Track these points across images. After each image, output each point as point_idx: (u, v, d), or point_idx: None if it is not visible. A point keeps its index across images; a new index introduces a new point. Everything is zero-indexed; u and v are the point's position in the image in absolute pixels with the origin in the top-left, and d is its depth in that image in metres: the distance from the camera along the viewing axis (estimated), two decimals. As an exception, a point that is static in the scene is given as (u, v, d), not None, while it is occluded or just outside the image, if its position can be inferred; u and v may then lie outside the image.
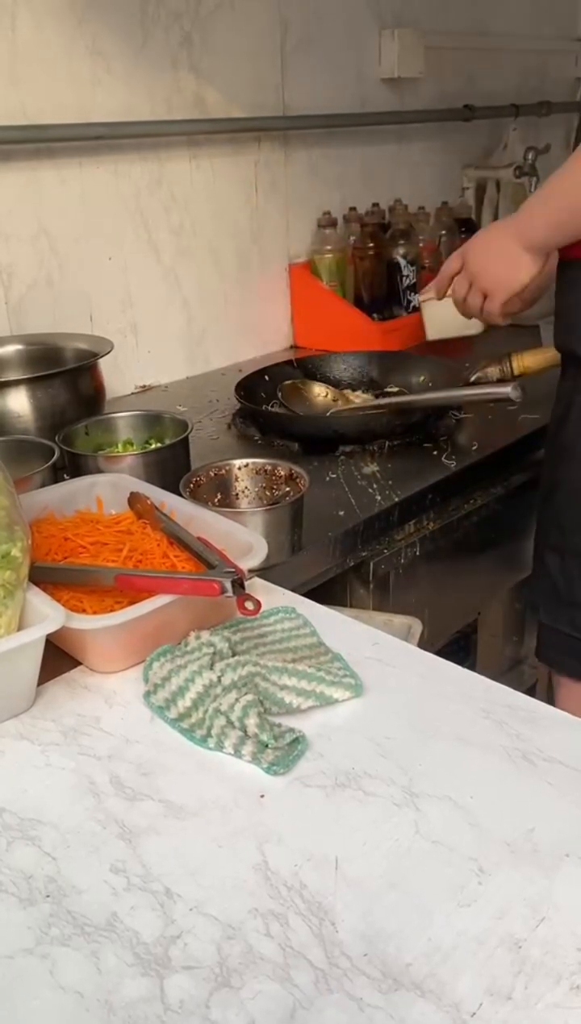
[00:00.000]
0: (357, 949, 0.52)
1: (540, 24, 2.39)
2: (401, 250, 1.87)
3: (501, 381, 1.39)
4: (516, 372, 1.39)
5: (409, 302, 1.87)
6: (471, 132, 2.22)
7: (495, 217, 2.32)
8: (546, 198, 1.06)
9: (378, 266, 1.87)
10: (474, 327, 1.45)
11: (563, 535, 1.18)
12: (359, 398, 1.50)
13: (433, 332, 1.63)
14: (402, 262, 1.87)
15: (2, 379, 1.26)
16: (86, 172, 1.48)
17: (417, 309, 1.73)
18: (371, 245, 1.85)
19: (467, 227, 2.19)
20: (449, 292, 1.24)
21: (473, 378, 1.41)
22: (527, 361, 1.39)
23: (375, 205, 1.93)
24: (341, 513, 1.11)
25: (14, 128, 1.36)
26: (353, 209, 1.90)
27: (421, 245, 1.93)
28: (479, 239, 1.17)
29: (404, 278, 1.87)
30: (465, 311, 1.23)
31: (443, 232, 2.05)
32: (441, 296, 1.27)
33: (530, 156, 2.20)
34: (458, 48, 2.14)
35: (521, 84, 2.38)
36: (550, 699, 1.28)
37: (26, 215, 1.42)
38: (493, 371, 1.40)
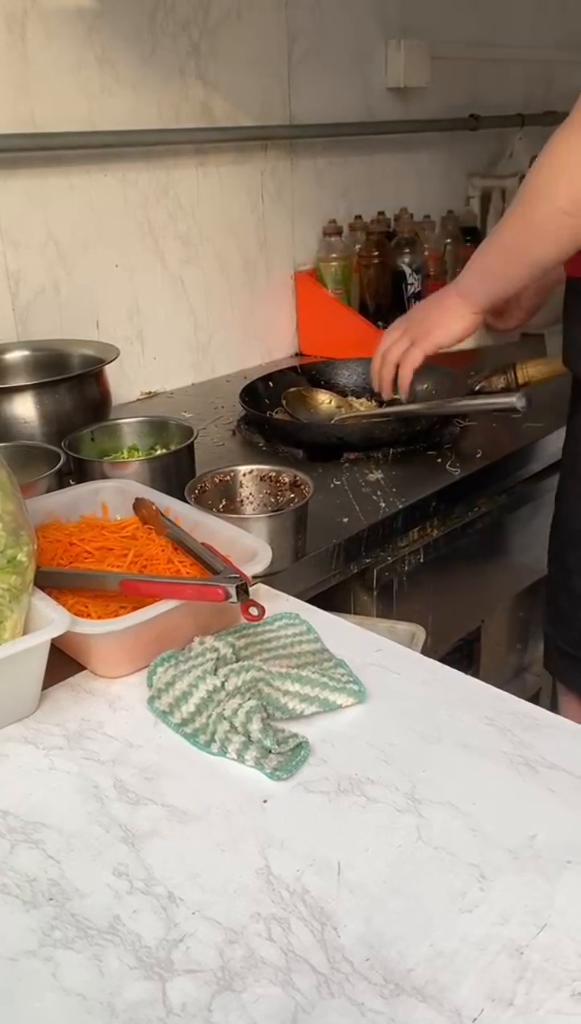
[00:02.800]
0: (359, 954, 0.52)
1: (546, 34, 2.40)
2: (406, 259, 1.87)
3: (506, 391, 1.40)
4: (520, 382, 1.39)
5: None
6: (477, 141, 2.23)
7: (500, 225, 2.32)
8: (481, 250, 1.08)
9: (383, 274, 1.87)
10: (468, 343, 1.48)
11: (567, 547, 1.18)
12: (364, 405, 1.51)
13: None
14: (407, 270, 1.87)
15: (9, 385, 1.27)
16: (94, 180, 1.49)
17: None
18: (376, 253, 1.86)
19: (472, 236, 2.20)
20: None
21: (477, 387, 1.41)
22: (531, 371, 1.39)
23: (381, 213, 1.94)
24: (345, 520, 1.12)
25: (23, 136, 1.37)
26: (359, 217, 1.91)
27: (426, 254, 1.93)
28: (424, 300, 1.21)
29: (409, 286, 1.88)
30: (384, 361, 1.24)
31: (448, 241, 2.06)
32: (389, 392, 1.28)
33: (536, 165, 2.21)
34: (464, 58, 2.15)
35: (527, 94, 2.39)
36: (554, 707, 1.28)
37: (34, 222, 1.43)
38: (497, 380, 1.40)
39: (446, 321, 1.15)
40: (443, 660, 0.82)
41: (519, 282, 1.06)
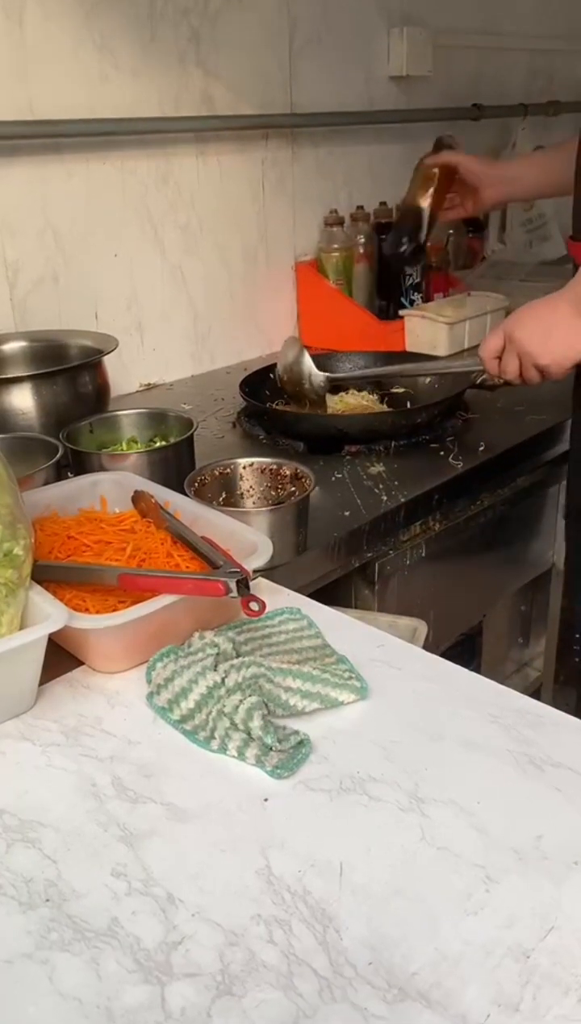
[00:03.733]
0: (362, 957, 0.51)
1: (549, 23, 2.38)
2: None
3: (508, 384, 1.38)
4: None
5: (412, 301, 1.86)
6: (479, 131, 2.21)
7: (503, 217, 2.31)
8: None
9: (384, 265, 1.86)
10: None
11: None
12: (365, 399, 1.49)
13: (411, 345, 1.72)
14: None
15: (7, 376, 1.25)
16: (93, 168, 1.47)
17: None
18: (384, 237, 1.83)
19: (474, 226, 2.18)
20: (497, 372, 1.18)
21: (480, 380, 1.40)
22: None
23: (382, 203, 1.92)
24: (347, 513, 1.10)
25: (21, 123, 1.35)
26: (360, 207, 1.89)
27: (428, 245, 1.91)
28: (525, 316, 1.11)
29: (408, 277, 1.86)
30: (522, 384, 1.18)
31: (451, 232, 2.04)
32: (493, 377, 1.21)
33: (539, 156, 2.19)
34: (467, 47, 2.13)
35: (530, 83, 2.37)
36: (556, 701, 1.27)
37: (33, 211, 1.41)
38: None
39: (576, 345, 1.06)
40: (445, 654, 0.80)
41: None
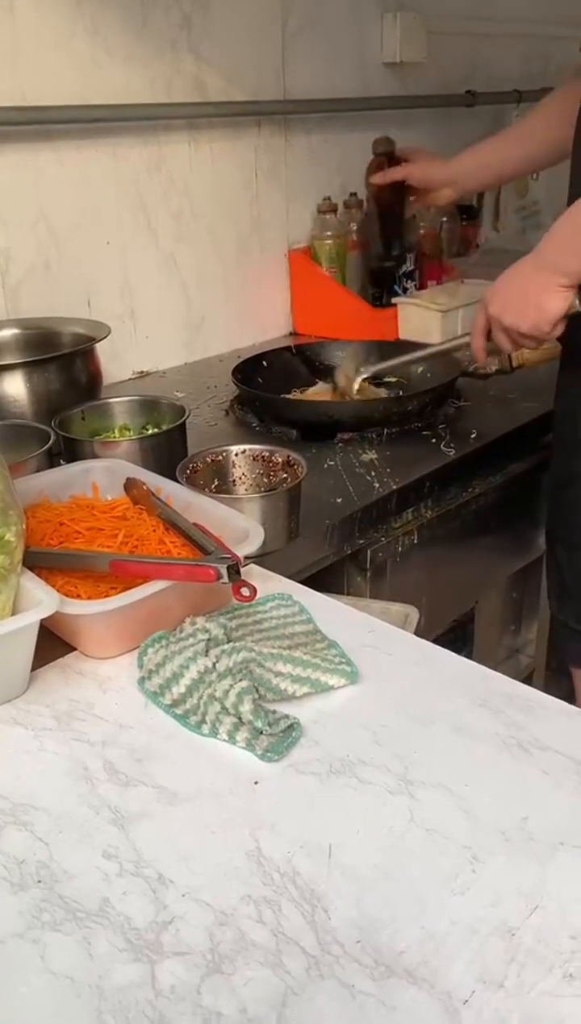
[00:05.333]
0: (350, 936, 0.51)
1: (544, 9, 2.37)
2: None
3: (500, 373, 1.39)
4: (515, 364, 1.39)
5: (406, 289, 1.86)
6: (474, 118, 2.20)
7: (497, 204, 2.31)
8: (572, 233, 1.02)
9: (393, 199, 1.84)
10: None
11: (572, 530, 1.18)
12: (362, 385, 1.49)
13: (405, 333, 1.72)
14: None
15: (-1, 363, 1.25)
16: (85, 155, 1.47)
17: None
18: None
19: (468, 214, 2.18)
20: (488, 346, 1.18)
21: (471, 368, 1.40)
22: (527, 353, 1.38)
23: (376, 191, 1.92)
24: (339, 500, 1.11)
25: (12, 109, 1.34)
26: (354, 195, 1.89)
27: (422, 232, 1.91)
28: (498, 288, 1.11)
29: (402, 265, 1.86)
30: (511, 350, 1.19)
31: (444, 219, 2.04)
32: (483, 360, 1.22)
33: (533, 143, 2.18)
34: (461, 33, 2.12)
35: (524, 69, 2.36)
36: (547, 687, 1.28)
37: (24, 198, 1.41)
38: (492, 362, 1.39)
39: (549, 308, 1.05)
40: (437, 641, 0.81)
41: None
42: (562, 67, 2.46)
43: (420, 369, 1.49)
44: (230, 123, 1.67)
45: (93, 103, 1.44)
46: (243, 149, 1.72)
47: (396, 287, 1.85)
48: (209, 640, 0.75)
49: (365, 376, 1.40)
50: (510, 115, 2.26)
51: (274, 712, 0.69)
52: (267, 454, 1.05)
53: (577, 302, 1.07)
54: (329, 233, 1.83)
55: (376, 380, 1.49)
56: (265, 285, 1.85)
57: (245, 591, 0.76)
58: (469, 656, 0.84)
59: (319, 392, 1.48)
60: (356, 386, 1.41)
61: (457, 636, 1.47)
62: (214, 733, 0.68)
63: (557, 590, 1.25)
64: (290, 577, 0.92)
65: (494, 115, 2.26)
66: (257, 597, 0.78)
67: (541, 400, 1.42)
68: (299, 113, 1.79)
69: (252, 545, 0.81)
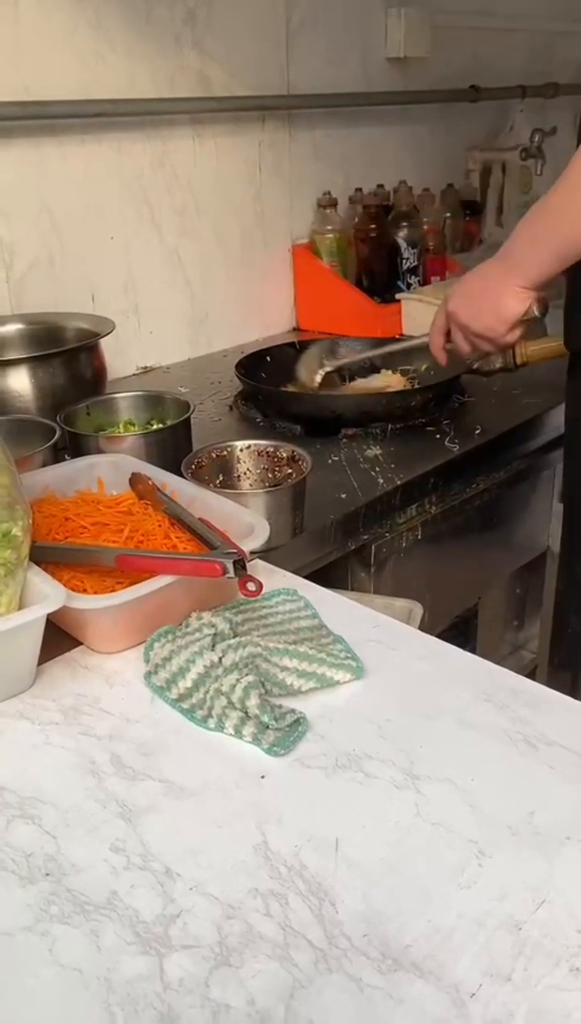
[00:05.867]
0: (357, 930, 0.52)
1: (548, 4, 2.36)
2: (403, 232, 1.85)
3: (504, 370, 1.39)
4: (519, 361, 1.38)
5: (409, 285, 1.86)
6: (477, 113, 2.20)
7: (500, 199, 2.30)
8: (536, 235, 0.98)
9: (379, 248, 1.85)
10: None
11: None
12: (388, 378, 1.49)
13: (408, 328, 1.71)
14: (403, 244, 1.85)
15: (3, 358, 1.25)
16: (88, 150, 1.47)
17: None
18: (373, 227, 1.83)
19: (472, 209, 2.17)
20: (447, 347, 1.18)
21: (475, 365, 1.40)
22: (531, 350, 1.38)
23: (380, 186, 1.92)
24: (343, 496, 1.11)
25: (15, 104, 1.34)
26: (359, 190, 1.89)
27: (425, 227, 1.91)
28: (457, 287, 1.10)
29: (404, 260, 1.86)
30: (476, 355, 1.18)
31: (448, 214, 2.03)
32: (445, 362, 1.22)
33: (536, 138, 2.18)
34: (465, 28, 2.12)
35: (528, 65, 2.36)
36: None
37: (28, 193, 1.41)
38: (496, 359, 1.39)
39: (508, 309, 1.04)
40: (440, 637, 0.81)
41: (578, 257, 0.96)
42: (566, 63, 2.46)
43: (425, 366, 1.49)
44: (234, 118, 1.67)
45: (96, 98, 1.44)
46: (247, 144, 1.71)
47: (399, 283, 1.85)
48: (215, 635, 0.75)
49: (328, 370, 1.40)
50: (513, 111, 2.26)
51: (280, 707, 0.69)
52: (272, 449, 1.05)
53: (535, 308, 1.06)
54: (330, 228, 1.83)
55: (341, 374, 1.49)
56: (268, 280, 1.85)
57: (251, 586, 0.76)
58: (472, 652, 0.84)
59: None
60: (319, 379, 1.40)
61: (460, 632, 1.47)
62: (220, 727, 0.68)
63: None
64: (294, 572, 0.92)
65: (498, 111, 2.26)
66: (263, 592, 0.78)
67: (545, 397, 1.42)
68: (303, 108, 1.79)
69: (257, 540, 0.81)
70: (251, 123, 1.71)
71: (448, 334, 1.16)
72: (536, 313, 1.06)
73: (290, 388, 1.45)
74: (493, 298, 1.04)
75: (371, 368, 1.51)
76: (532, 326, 1.12)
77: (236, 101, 1.65)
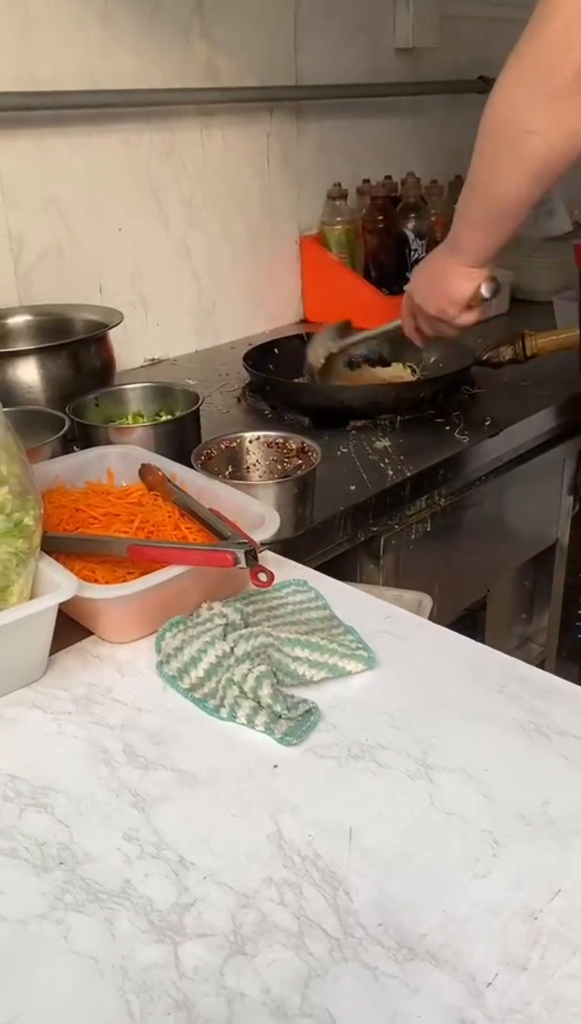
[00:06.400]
0: (372, 919, 0.52)
1: (557, -6, 2.35)
2: (411, 223, 1.84)
3: (513, 361, 1.38)
4: (529, 353, 1.38)
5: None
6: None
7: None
8: (463, 205, 1.02)
9: (387, 240, 1.84)
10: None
11: None
12: (400, 371, 1.49)
13: None
14: (411, 235, 1.84)
15: (12, 349, 1.25)
16: (96, 141, 1.46)
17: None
18: (381, 218, 1.82)
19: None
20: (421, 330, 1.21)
21: (485, 357, 1.40)
22: (541, 342, 1.38)
23: (388, 178, 1.91)
24: (352, 488, 1.11)
25: (23, 94, 1.33)
26: (367, 181, 1.88)
27: (433, 219, 1.90)
28: (415, 272, 1.14)
29: (413, 252, 1.85)
30: (434, 336, 1.20)
31: (456, 206, 2.02)
32: (422, 344, 1.24)
33: (545, 129, 2.17)
34: (474, 18, 2.10)
35: (536, 56, 2.34)
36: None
37: (35, 184, 1.40)
38: (506, 351, 1.39)
39: (456, 288, 1.07)
40: (449, 629, 0.81)
41: (508, 224, 0.99)
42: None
43: (433, 359, 1.48)
44: (242, 109, 1.66)
45: (104, 88, 1.43)
46: (255, 135, 1.71)
47: (408, 274, 1.84)
48: (226, 625, 0.75)
49: (332, 351, 1.40)
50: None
51: (292, 696, 0.69)
52: (281, 441, 1.04)
53: (484, 289, 1.07)
54: (339, 219, 1.83)
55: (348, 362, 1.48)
56: (276, 272, 1.84)
57: (262, 576, 0.76)
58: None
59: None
60: (321, 362, 1.40)
61: (469, 625, 1.47)
62: (232, 717, 0.68)
63: None
64: (303, 564, 0.92)
65: (506, 101, 2.24)
66: (274, 583, 0.77)
67: (555, 388, 1.41)
68: (311, 99, 1.78)
69: (268, 531, 0.81)
70: (259, 114, 1.70)
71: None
72: (484, 294, 1.07)
73: (299, 380, 1.44)
74: (441, 281, 1.07)
75: (380, 360, 1.50)
76: (486, 307, 1.12)
77: (244, 92, 1.65)
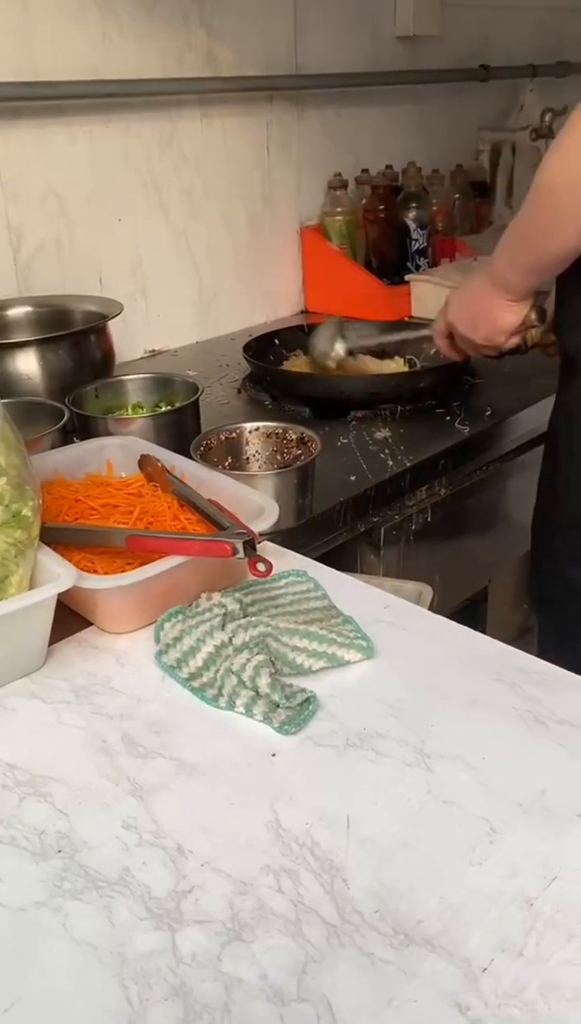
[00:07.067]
0: (369, 906, 0.52)
1: (559, -18, 2.34)
2: (412, 213, 1.84)
3: (514, 352, 1.37)
4: (530, 344, 1.37)
5: (418, 266, 1.85)
6: (487, 93, 2.18)
7: (510, 181, 2.28)
8: (512, 250, 1.01)
9: (388, 229, 1.84)
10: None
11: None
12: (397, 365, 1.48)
13: (417, 311, 1.71)
14: (412, 225, 1.84)
15: (11, 340, 1.25)
16: (96, 131, 1.46)
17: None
18: (381, 208, 1.82)
19: (481, 190, 2.16)
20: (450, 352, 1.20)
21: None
22: (540, 335, 1.37)
23: (388, 167, 1.91)
24: (352, 478, 1.11)
25: (23, 84, 1.33)
26: (366, 171, 1.87)
27: (434, 208, 1.90)
28: (455, 302, 1.13)
29: (414, 242, 1.85)
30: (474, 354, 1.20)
31: (457, 196, 2.02)
32: (462, 358, 1.23)
33: (547, 118, 2.16)
34: (475, 6, 2.09)
35: (539, 44, 2.33)
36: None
37: (35, 175, 1.40)
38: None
39: (503, 322, 1.08)
40: (450, 619, 0.81)
41: (557, 269, 1.00)
42: (577, 41, 2.43)
43: (434, 351, 1.48)
44: (242, 98, 1.66)
45: (104, 78, 1.43)
46: (255, 124, 1.70)
47: (409, 264, 1.84)
48: (225, 615, 0.75)
49: (342, 356, 1.39)
50: (524, 91, 2.23)
51: (291, 686, 0.69)
52: (281, 431, 1.04)
53: (533, 315, 1.09)
54: (340, 209, 1.82)
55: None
56: (277, 263, 1.84)
57: (261, 566, 0.76)
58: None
59: (298, 364, 1.47)
60: (335, 360, 1.40)
61: (469, 615, 1.47)
62: (231, 706, 0.68)
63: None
64: (303, 555, 0.92)
65: (508, 90, 2.23)
66: (272, 573, 0.77)
67: (555, 378, 1.40)
68: (311, 88, 1.77)
69: (267, 521, 0.81)
70: (259, 103, 1.70)
71: (451, 335, 1.17)
72: (534, 320, 1.09)
73: (299, 361, 1.44)
74: (487, 311, 1.09)
75: (381, 355, 1.50)
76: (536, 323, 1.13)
77: (244, 81, 1.64)
